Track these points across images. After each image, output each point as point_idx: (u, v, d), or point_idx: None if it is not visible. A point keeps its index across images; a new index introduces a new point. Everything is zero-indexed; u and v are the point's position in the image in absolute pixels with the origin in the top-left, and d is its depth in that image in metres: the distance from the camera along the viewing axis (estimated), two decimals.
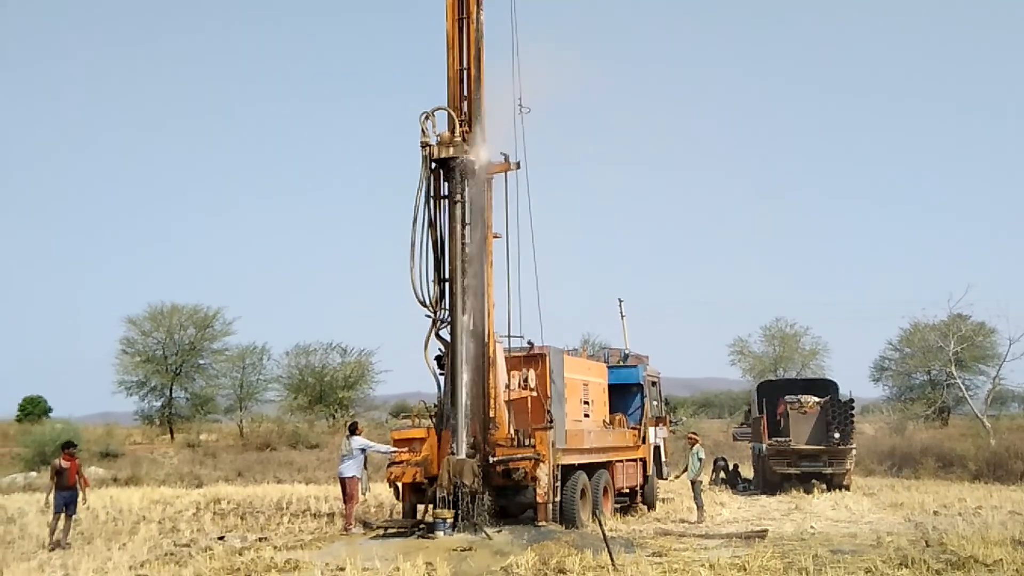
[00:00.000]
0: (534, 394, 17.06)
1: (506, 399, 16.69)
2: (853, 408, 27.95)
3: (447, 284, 16.45)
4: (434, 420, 16.73)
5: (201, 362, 60.22)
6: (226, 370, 61.13)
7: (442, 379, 16.66)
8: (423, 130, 16.36)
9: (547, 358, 17.65)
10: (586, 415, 19.41)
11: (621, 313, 30.42)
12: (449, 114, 16.46)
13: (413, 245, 16.37)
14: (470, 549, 13.89)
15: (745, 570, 11.89)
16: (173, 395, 59.32)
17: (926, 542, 14.40)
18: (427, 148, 16.26)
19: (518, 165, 16.69)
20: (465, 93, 16.77)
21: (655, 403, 23.96)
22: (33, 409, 63.40)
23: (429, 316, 16.60)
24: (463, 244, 16.18)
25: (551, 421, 16.66)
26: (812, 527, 18.04)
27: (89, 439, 46.29)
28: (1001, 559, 12.34)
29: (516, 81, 16.94)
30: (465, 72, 16.79)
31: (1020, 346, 42.91)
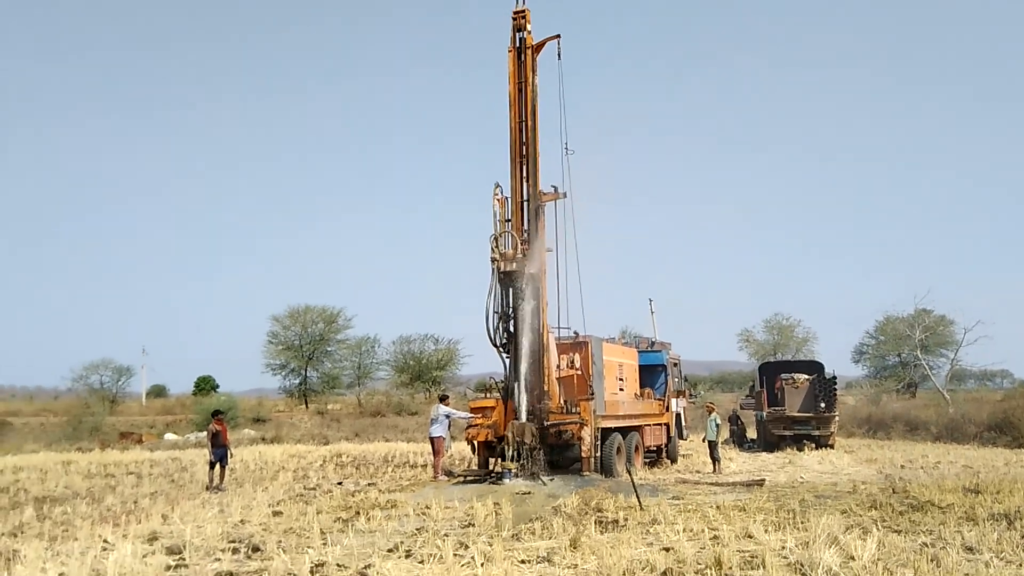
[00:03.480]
0: (579, 372, 16.98)
1: (557, 376, 16.63)
2: (836, 383, 27.43)
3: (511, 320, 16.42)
4: (501, 393, 16.74)
5: (329, 349, 61.22)
6: (347, 355, 62.13)
7: (508, 361, 16.65)
8: (492, 247, 16.36)
9: (589, 345, 17.56)
10: (621, 389, 19.23)
11: (651, 310, 30.25)
12: (512, 236, 16.37)
13: (488, 311, 16.33)
14: (529, 493, 13.87)
15: (745, 510, 11.67)
16: (307, 375, 60.33)
17: (892, 489, 14.01)
18: (495, 263, 16.28)
19: (565, 195, 16.61)
20: (523, 139, 16.75)
21: (676, 380, 23.69)
22: (204, 385, 65.09)
23: (496, 348, 16.55)
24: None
25: (592, 394, 16.60)
26: (802, 477, 17.66)
27: (244, 408, 47.43)
28: (953, 503, 11.95)
29: (563, 129, 16.88)
30: (523, 124, 16.78)
31: (973, 334, 41.84)
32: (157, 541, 10.23)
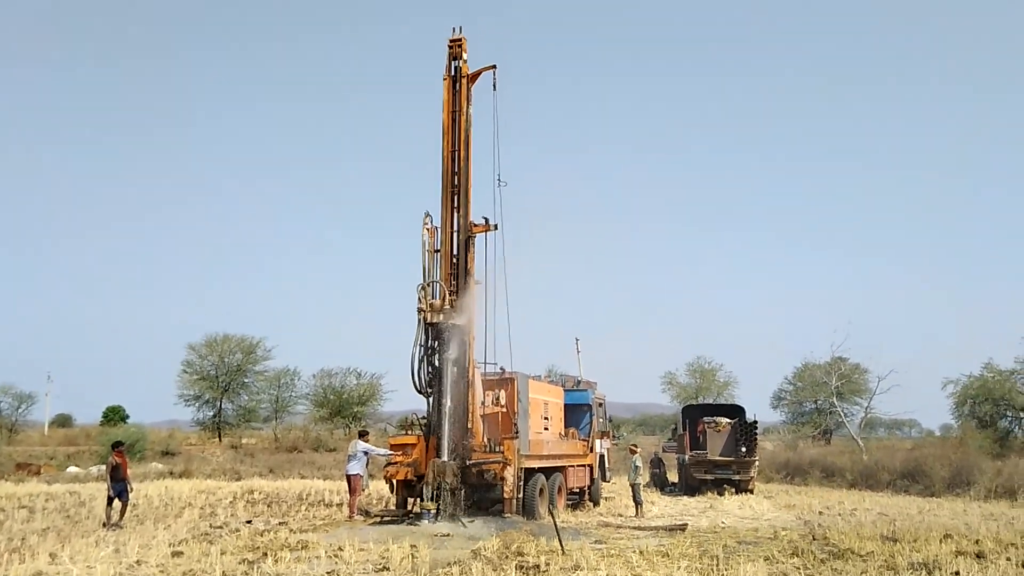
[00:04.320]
0: (504, 410, 16.65)
1: (482, 413, 16.26)
2: (756, 428, 27.67)
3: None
4: (423, 430, 16.24)
5: (246, 380, 59.34)
6: (265, 387, 60.27)
7: (431, 399, 16.17)
8: (419, 297, 15.96)
9: (515, 381, 17.26)
10: (546, 428, 18.94)
11: (577, 349, 30.08)
12: (441, 286, 16.07)
13: (413, 358, 15.90)
14: (448, 535, 13.43)
15: (668, 556, 11.45)
16: (222, 407, 58.33)
17: (812, 536, 13.98)
18: (422, 313, 15.89)
19: (496, 227, 16.40)
20: (456, 169, 16.52)
21: (601, 420, 23.52)
22: (113, 415, 62.26)
23: (421, 394, 16.12)
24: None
25: (517, 432, 16.26)
26: (723, 523, 17.57)
27: (154, 440, 45.40)
28: (872, 551, 11.96)
29: (496, 160, 16.72)
30: (456, 153, 16.56)
31: (886, 382, 43.04)
32: None
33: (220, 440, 54.44)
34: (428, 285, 16.06)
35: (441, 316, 15.76)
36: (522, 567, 10.40)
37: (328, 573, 10.09)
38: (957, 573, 10.19)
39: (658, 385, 67.03)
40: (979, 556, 11.47)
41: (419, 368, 15.96)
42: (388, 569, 10.39)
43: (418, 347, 15.93)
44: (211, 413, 58.27)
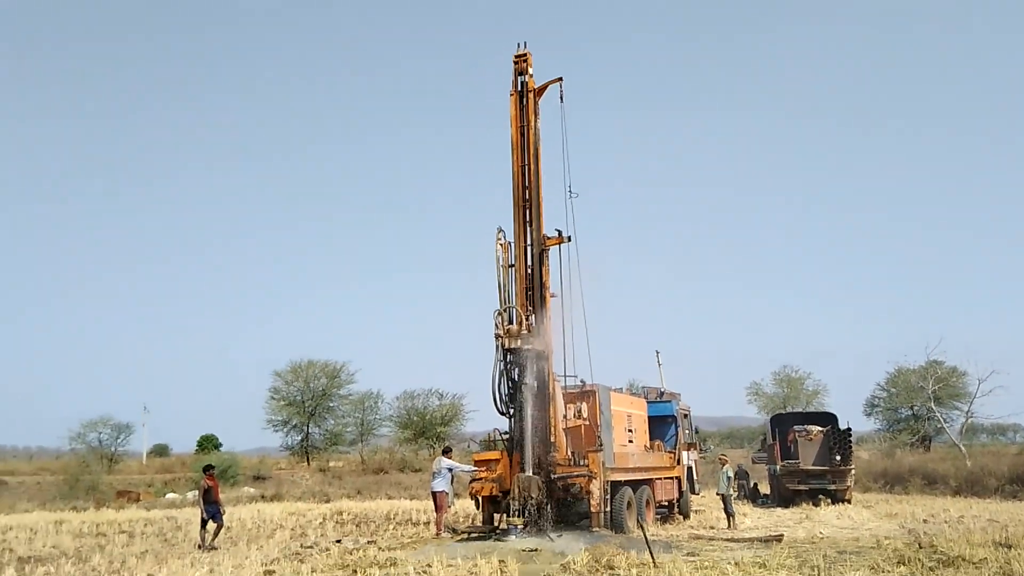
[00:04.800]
0: (587, 423, 16.45)
1: (564, 427, 16.08)
2: (851, 435, 26.67)
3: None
4: (506, 445, 16.13)
5: (331, 404, 60.41)
6: (350, 411, 61.23)
7: (510, 401, 16.04)
8: (496, 323, 15.88)
9: (596, 394, 17.04)
10: (630, 441, 18.63)
11: (658, 362, 29.64)
12: (517, 311, 15.95)
13: (493, 381, 15.83)
14: (536, 550, 13.21)
15: (766, 567, 11.02)
16: (310, 431, 59.48)
17: (919, 544, 13.27)
18: (499, 339, 15.79)
19: (569, 239, 16.25)
20: (526, 183, 16.48)
21: (687, 432, 23.04)
22: (207, 444, 64.08)
23: (503, 415, 16.01)
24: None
25: (601, 445, 16.00)
26: (821, 533, 16.91)
27: (245, 466, 46.54)
28: (985, 558, 11.27)
29: (567, 172, 16.60)
30: (525, 168, 16.52)
31: (987, 384, 41.07)
32: None
33: (308, 464, 55.47)
34: (505, 311, 16.00)
35: (519, 341, 15.66)
36: None
37: None
38: None
39: (743, 396, 65.40)
40: None
41: (499, 390, 15.90)
42: None
43: (497, 371, 15.88)
44: (299, 438, 59.51)
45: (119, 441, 65.15)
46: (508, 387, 15.92)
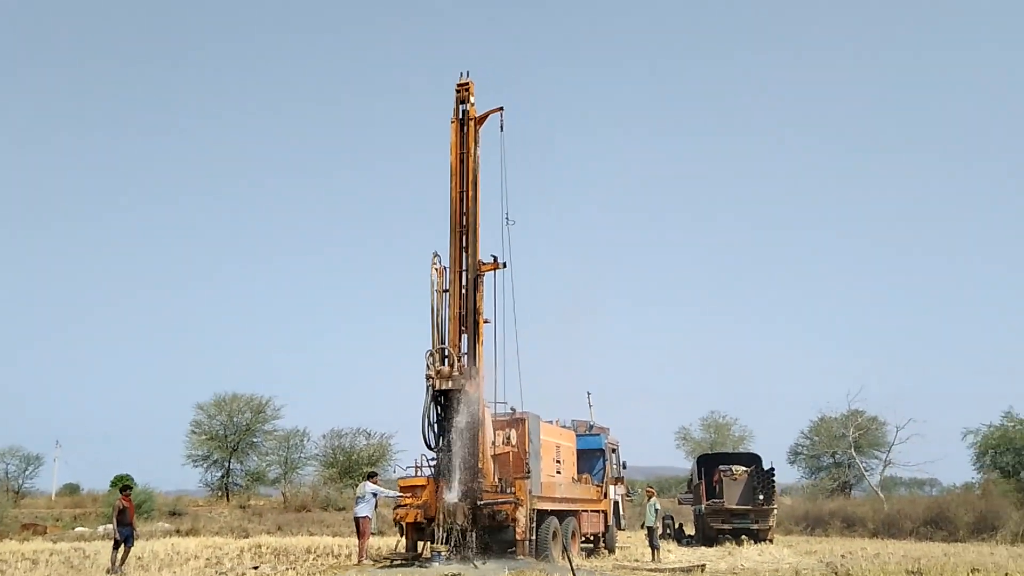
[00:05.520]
0: (515, 450, 16.40)
1: (492, 454, 16.00)
2: (774, 474, 27.12)
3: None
4: (433, 471, 15.96)
5: (255, 440, 58.85)
6: (274, 448, 59.71)
7: (439, 439, 15.91)
8: (427, 364, 15.84)
9: (527, 422, 17.02)
10: (558, 471, 18.61)
11: (589, 403, 29.79)
12: (448, 351, 15.85)
13: (423, 421, 15.74)
14: None
15: None
16: (231, 467, 57.77)
17: (835, 572, 13.59)
18: (430, 380, 15.75)
19: (504, 265, 16.37)
20: (464, 209, 16.60)
21: (615, 466, 23.16)
22: (121, 484, 61.54)
23: (432, 450, 15.89)
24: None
25: (528, 472, 15.96)
26: (742, 564, 17.13)
27: (162, 503, 44.83)
28: None
29: (504, 199, 16.79)
30: (464, 194, 16.66)
31: (905, 432, 42.40)
32: None
33: (228, 501, 53.73)
34: (438, 351, 15.94)
35: (450, 383, 15.61)
36: None
37: None
38: None
39: (672, 443, 66.32)
40: None
41: (429, 431, 15.80)
42: None
43: (427, 412, 15.75)
44: (219, 474, 57.67)
45: (27, 473, 62.19)
46: (437, 429, 15.84)
